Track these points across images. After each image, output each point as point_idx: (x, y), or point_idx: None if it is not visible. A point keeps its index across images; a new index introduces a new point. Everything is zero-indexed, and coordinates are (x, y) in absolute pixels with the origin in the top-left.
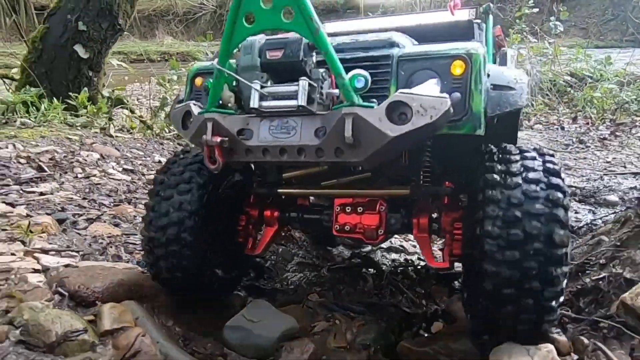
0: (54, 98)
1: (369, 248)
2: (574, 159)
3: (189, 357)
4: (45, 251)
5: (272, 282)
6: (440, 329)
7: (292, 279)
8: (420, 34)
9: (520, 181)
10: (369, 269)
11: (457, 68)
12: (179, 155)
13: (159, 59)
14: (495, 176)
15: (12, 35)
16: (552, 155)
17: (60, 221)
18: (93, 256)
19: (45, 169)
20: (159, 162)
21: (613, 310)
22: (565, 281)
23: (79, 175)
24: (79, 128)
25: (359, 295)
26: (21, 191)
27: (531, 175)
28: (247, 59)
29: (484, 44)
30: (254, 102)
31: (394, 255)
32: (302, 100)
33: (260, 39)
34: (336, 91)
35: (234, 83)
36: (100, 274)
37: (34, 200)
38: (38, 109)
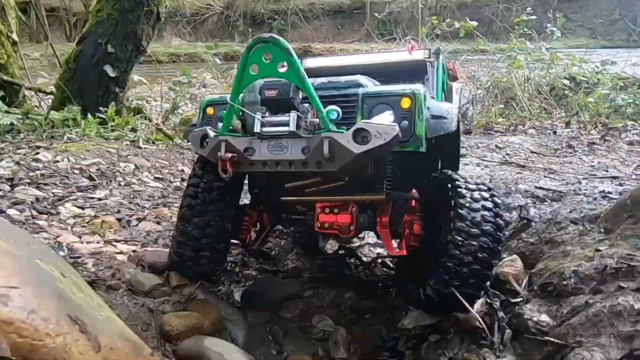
0: (87, 112)
1: (357, 243)
2: (560, 163)
3: (224, 303)
4: (117, 241)
5: (275, 266)
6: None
7: (290, 265)
8: (385, 71)
9: (480, 207)
10: (352, 259)
11: (405, 103)
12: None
13: (166, 60)
14: (464, 201)
15: (23, 37)
16: (494, 189)
17: (119, 220)
18: (150, 245)
19: (95, 178)
20: (182, 170)
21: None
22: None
23: (122, 184)
24: (112, 140)
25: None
26: (84, 197)
27: (486, 204)
28: (251, 96)
29: (434, 79)
30: (257, 128)
31: (379, 250)
32: (292, 127)
33: (259, 81)
34: (317, 120)
35: (241, 113)
36: (163, 255)
37: (95, 204)
38: (77, 124)
